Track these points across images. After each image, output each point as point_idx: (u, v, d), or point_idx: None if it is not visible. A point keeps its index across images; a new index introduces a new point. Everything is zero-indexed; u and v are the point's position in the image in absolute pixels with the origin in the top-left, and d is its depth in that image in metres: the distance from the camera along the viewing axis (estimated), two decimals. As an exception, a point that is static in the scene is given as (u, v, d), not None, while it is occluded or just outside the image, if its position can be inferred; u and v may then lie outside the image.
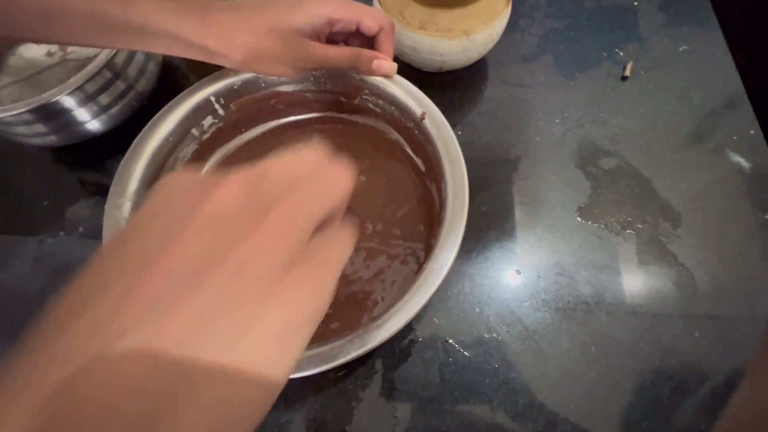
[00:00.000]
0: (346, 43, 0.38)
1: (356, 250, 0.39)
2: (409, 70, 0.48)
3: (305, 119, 0.45)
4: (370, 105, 0.41)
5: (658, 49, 0.51)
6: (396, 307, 0.30)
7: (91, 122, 0.44)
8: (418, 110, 0.37)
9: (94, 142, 0.45)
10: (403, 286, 0.36)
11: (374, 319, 0.30)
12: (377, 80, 0.38)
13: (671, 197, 0.43)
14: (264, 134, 0.44)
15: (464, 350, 0.37)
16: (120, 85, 0.44)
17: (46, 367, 0.12)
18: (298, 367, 0.28)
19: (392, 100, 0.39)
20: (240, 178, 0.15)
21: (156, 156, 0.37)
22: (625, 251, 0.40)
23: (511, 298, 0.39)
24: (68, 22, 0.30)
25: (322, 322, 0.15)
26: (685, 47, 0.51)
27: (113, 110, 0.44)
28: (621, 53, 0.51)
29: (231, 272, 0.14)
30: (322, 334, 0.35)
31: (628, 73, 0.49)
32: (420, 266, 0.37)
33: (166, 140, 0.37)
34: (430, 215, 0.39)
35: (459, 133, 0.46)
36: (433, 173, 0.38)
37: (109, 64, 0.41)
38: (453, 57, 0.44)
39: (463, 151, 0.35)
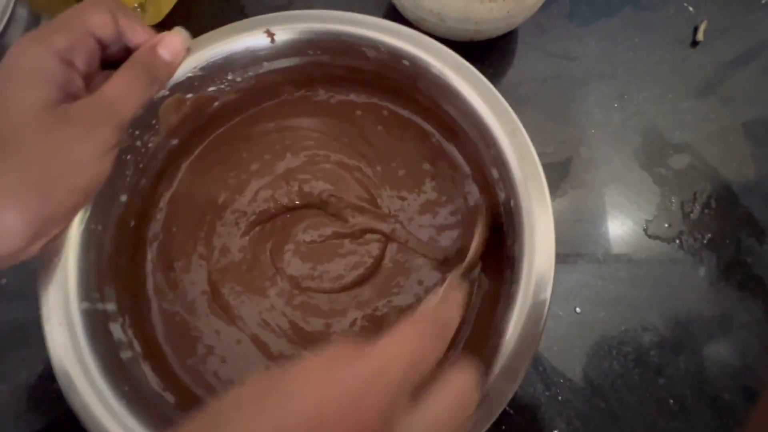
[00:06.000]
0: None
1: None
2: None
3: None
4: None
5: (734, 3, 0.40)
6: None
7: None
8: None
9: None
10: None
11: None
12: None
13: (755, 204, 0.35)
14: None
15: (518, 414, 0.31)
16: None
17: None
18: None
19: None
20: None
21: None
22: (704, 278, 0.33)
23: (571, 345, 0.32)
24: None
25: None
26: (768, 0, 0.41)
27: None
28: (690, 8, 0.40)
29: None
30: None
31: (700, 36, 0.39)
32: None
33: None
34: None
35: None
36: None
37: None
38: (492, 25, 0.33)
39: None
